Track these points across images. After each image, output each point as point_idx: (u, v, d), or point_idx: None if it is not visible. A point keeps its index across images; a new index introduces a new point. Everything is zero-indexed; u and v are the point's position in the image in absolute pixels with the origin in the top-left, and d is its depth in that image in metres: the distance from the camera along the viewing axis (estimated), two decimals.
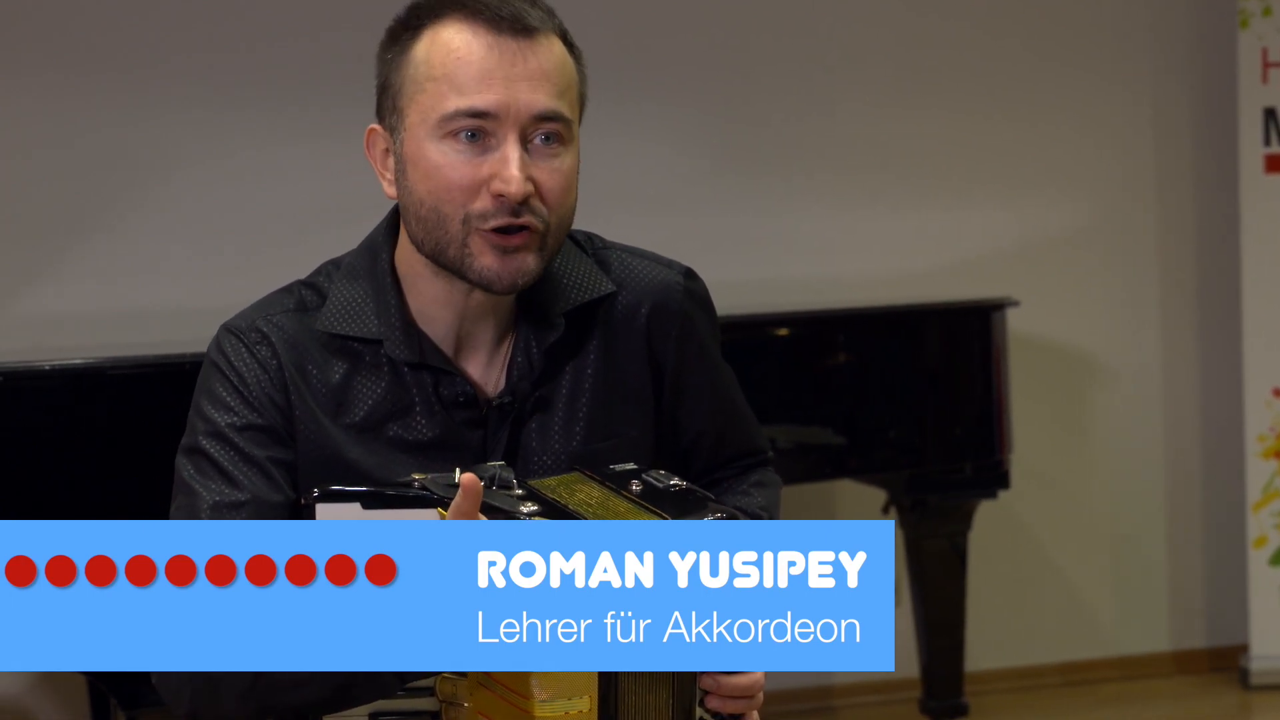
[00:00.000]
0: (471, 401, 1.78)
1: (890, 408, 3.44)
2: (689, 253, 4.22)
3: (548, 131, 1.70)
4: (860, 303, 3.67)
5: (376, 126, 1.77)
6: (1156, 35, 4.38)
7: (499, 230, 1.69)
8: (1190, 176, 4.42)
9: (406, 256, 1.78)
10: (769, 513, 1.96)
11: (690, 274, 1.92)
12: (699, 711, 1.71)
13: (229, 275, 3.68)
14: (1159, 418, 4.46)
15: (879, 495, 3.78)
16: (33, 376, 2.64)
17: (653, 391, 1.87)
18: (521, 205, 1.68)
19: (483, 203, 1.68)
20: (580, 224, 1.95)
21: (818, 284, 4.13)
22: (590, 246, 1.89)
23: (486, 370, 1.81)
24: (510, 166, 1.67)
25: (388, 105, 1.74)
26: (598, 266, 1.86)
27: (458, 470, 1.65)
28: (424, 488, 1.66)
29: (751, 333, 3.36)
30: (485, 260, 1.70)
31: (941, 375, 3.52)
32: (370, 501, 1.66)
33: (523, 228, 1.69)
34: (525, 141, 1.69)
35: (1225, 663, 4.45)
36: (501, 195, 1.67)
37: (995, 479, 3.60)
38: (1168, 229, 4.42)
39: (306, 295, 1.82)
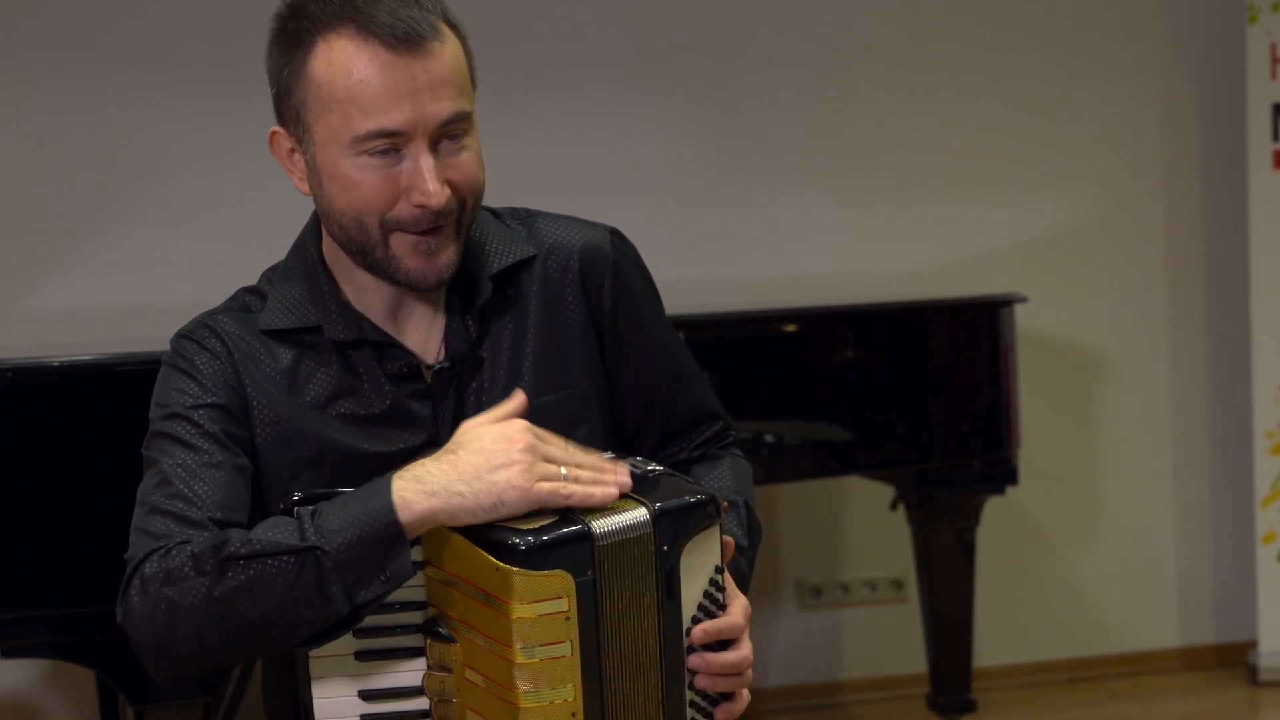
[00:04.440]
0: (415, 373, 1.85)
1: (898, 403, 3.44)
2: (695, 248, 4.27)
3: (452, 132, 1.76)
4: (868, 299, 3.65)
5: (279, 130, 1.82)
6: (1165, 30, 4.37)
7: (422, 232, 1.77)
8: (1198, 172, 4.41)
9: (332, 248, 1.87)
10: (741, 495, 1.98)
11: (616, 232, 1.99)
12: (689, 695, 1.71)
13: (238, 270, 3.66)
14: (1167, 414, 4.46)
15: (887, 491, 3.78)
16: (41, 373, 2.64)
17: (597, 345, 1.93)
18: (441, 210, 1.75)
19: (401, 210, 1.76)
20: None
21: (825, 280, 4.13)
22: (516, 218, 1.97)
23: (426, 343, 1.88)
24: (428, 181, 1.74)
25: (290, 115, 1.79)
26: (524, 234, 1.93)
27: None
28: None
29: (758, 329, 3.36)
30: (409, 263, 1.78)
31: (949, 371, 3.52)
32: None
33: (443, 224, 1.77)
34: (434, 144, 1.75)
35: (1233, 659, 4.45)
36: (423, 206, 1.74)
37: (1003, 475, 3.60)
38: (1176, 224, 4.42)
39: (249, 299, 1.91)
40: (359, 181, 1.75)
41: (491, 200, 2.01)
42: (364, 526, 1.60)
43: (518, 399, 1.70)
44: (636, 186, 4.03)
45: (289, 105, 1.79)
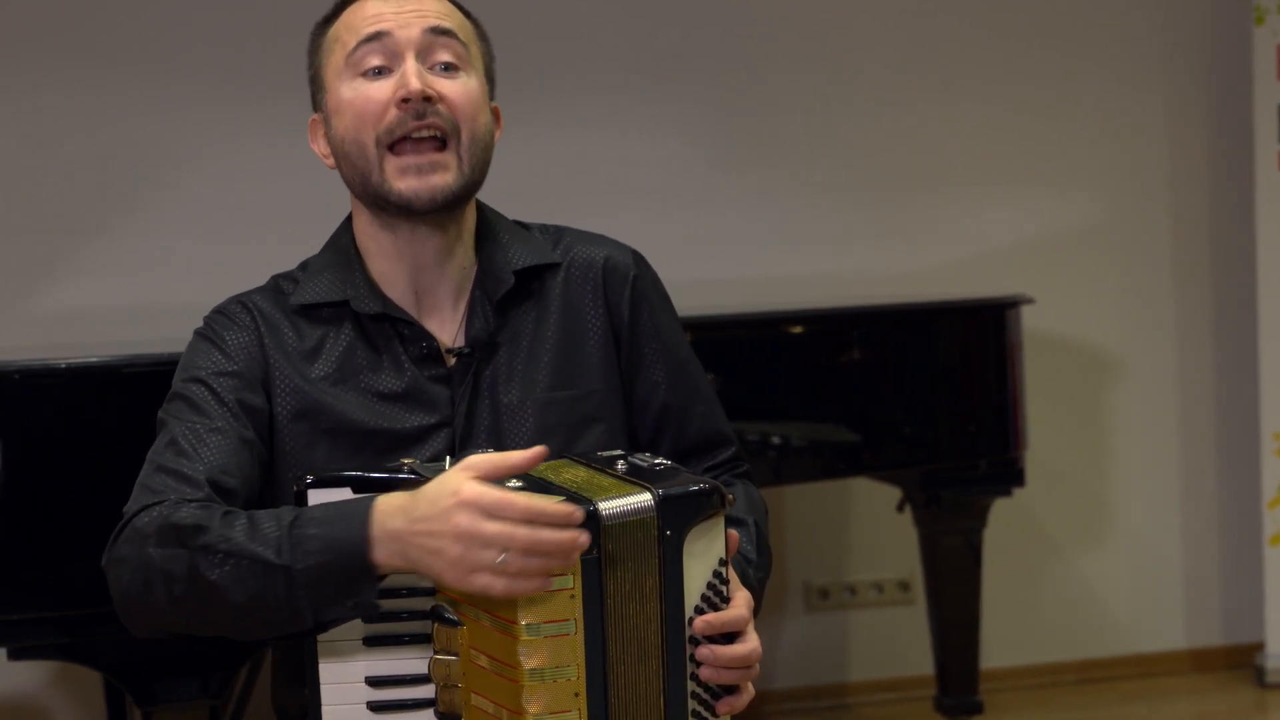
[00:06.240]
0: (435, 355, 1.92)
1: (905, 404, 3.44)
2: (702, 249, 4.27)
3: (444, 60, 1.88)
4: (875, 300, 3.66)
5: (315, 115, 1.97)
6: (1171, 31, 4.37)
7: (410, 140, 1.85)
8: (1205, 173, 4.41)
9: (361, 226, 1.96)
10: (754, 515, 2.01)
11: (640, 254, 2.07)
12: (690, 686, 1.71)
13: (240, 270, 3.66)
14: (1174, 414, 4.45)
15: (893, 492, 3.78)
16: (48, 375, 2.65)
17: (614, 353, 2.00)
18: (425, 105, 1.84)
19: (389, 117, 1.85)
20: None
21: (832, 281, 4.13)
22: (544, 232, 2.05)
23: (447, 328, 1.95)
24: (409, 74, 1.85)
25: (316, 87, 1.95)
26: (550, 245, 2.02)
27: (448, 459, 1.74)
28: (413, 471, 1.72)
29: (765, 330, 3.36)
30: (402, 183, 1.86)
31: (956, 372, 3.52)
32: (361, 486, 1.72)
33: (433, 137, 1.85)
34: (424, 63, 1.86)
35: (1241, 660, 4.44)
36: (406, 100, 1.84)
37: (1010, 476, 3.59)
38: (1182, 225, 4.42)
39: (283, 283, 2.00)
40: (353, 100, 1.87)
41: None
42: (336, 554, 1.62)
43: (531, 454, 1.62)
44: (637, 186, 4.03)
45: (316, 81, 1.96)
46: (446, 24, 1.89)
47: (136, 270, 3.75)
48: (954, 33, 4.24)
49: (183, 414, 1.85)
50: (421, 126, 1.85)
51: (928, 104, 4.23)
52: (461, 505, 1.56)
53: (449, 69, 1.88)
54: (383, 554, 1.61)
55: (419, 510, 1.59)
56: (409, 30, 1.86)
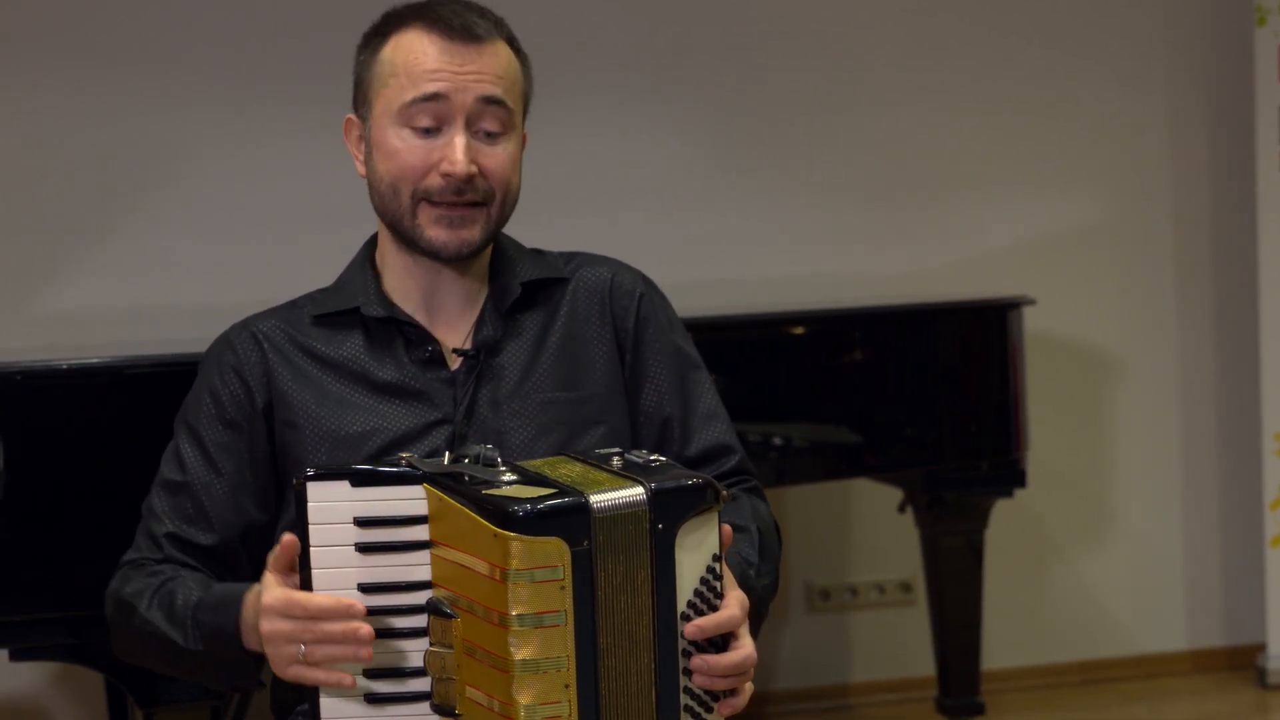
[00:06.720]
0: (438, 358, 2.00)
1: (906, 405, 3.44)
2: (703, 250, 4.26)
3: (489, 128, 1.96)
4: (876, 300, 3.66)
5: (352, 116, 2.04)
6: (1173, 31, 4.36)
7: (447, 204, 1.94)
8: (1206, 173, 4.41)
9: (384, 239, 2.05)
10: (758, 523, 2.02)
11: (648, 278, 2.16)
12: (683, 681, 1.71)
13: (242, 271, 3.68)
14: (1176, 415, 4.45)
15: (895, 493, 3.78)
16: (51, 376, 2.64)
17: (619, 361, 2.06)
18: (466, 184, 1.93)
19: (431, 181, 1.94)
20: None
21: (833, 282, 4.12)
22: (560, 257, 2.14)
23: (454, 334, 2.03)
24: (456, 151, 1.93)
25: (360, 97, 2.02)
26: (562, 264, 2.11)
27: (447, 454, 1.81)
28: (411, 465, 1.76)
29: (767, 331, 3.36)
30: (433, 232, 1.96)
31: (958, 373, 3.52)
32: (359, 480, 1.75)
33: (469, 202, 1.95)
34: (470, 130, 1.94)
35: (1242, 661, 4.44)
36: (449, 175, 1.92)
37: (1012, 477, 3.59)
38: (1184, 226, 4.41)
39: (301, 300, 2.09)
40: (399, 150, 1.95)
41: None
42: (223, 640, 1.83)
43: (285, 546, 1.76)
44: (638, 186, 4.02)
45: (361, 90, 2.02)
46: (498, 93, 1.95)
47: (138, 271, 3.74)
48: (955, 32, 4.24)
49: (168, 462, 2.01)
50: (460, 201, 1.95)
51: (928, 104, 4.22)
52: (264, 611, 1.73)
53: (492, 136, 1.97)
54: (251, 642, 1.80)
55: (257, 607, 1.76)
56: (464, 96, 1.93)
